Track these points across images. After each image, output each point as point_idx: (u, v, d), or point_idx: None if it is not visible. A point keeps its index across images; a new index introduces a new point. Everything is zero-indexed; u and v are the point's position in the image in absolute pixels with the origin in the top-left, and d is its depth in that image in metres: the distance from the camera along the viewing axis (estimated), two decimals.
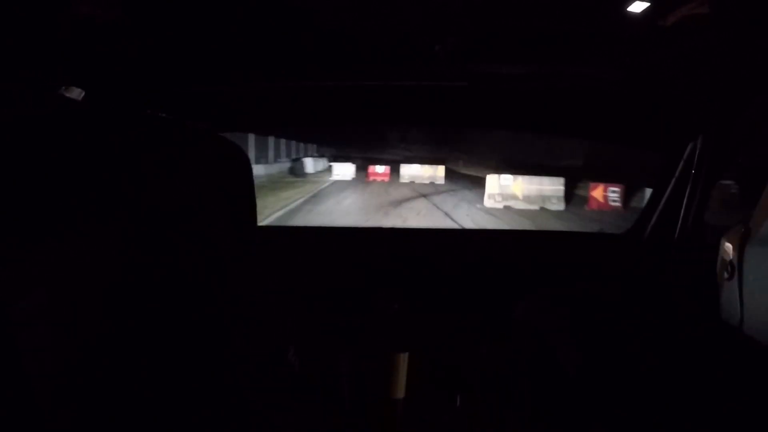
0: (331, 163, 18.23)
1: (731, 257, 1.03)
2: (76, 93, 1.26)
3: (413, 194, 14.90)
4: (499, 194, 13.16)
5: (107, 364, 0.63)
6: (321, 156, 19.94)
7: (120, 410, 0.64)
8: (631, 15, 1.17)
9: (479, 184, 14.56)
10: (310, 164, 18.18)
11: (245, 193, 0.82)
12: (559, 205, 12.66)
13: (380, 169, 17.64)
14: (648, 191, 1.93)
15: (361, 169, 17.57)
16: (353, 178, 17.29)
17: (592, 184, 11.94)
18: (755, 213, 1.01)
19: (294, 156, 19.03)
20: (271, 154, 18.38)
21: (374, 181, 17.23)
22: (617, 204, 11.72)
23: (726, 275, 1.04)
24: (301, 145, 21.32)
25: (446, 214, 12.24)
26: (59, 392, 0.58)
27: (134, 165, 0.67)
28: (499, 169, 13.97)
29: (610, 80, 1.55)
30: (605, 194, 11.92)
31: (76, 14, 1.09)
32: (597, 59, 1.42)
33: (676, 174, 1.68)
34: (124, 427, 0.65)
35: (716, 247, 1.40)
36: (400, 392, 1.66)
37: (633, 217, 1.92)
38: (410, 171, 17.52)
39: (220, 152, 0.79)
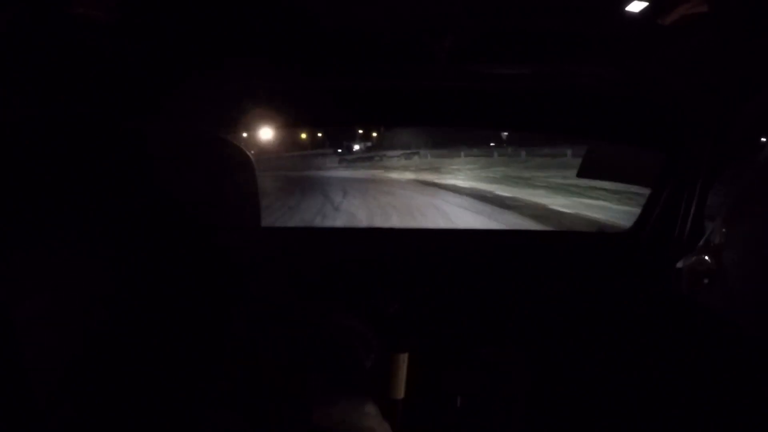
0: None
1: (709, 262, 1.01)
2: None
3: None
4: None
5: (108, 365, 0.63)
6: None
7: (120, 411, 0.64)
8: (630, 14, 1.17)
9: None
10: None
11: (249, 195, 0.82)
12: None
13: None
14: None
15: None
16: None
17: None
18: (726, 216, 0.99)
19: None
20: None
21: None
22: None
23: (706, 281, 1.03)
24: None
25: None
26: (60, 393, 0.58)
27: (137, 167, 0.67)
28: None
29: (610, 80, 1.55)
30: None
31: (74, 15, 1.09)
32: (596, 59, 1.42)
33: (676, 174, 1.68)
34: (124, 428, 0.65)
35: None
36: (400, 392, 1.66)
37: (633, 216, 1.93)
38: None
39: (223, 154, 0.79)
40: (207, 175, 0.75)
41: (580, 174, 2.00)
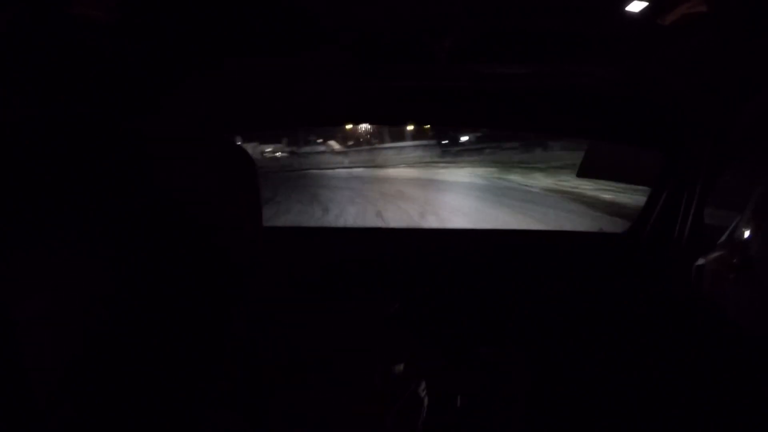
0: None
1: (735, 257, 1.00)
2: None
3: None
4: None
5: (108, 365, 0.64)
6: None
7: (120, 411, 0.64)
8: (630, 14, 1.17)
9: None
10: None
11: (250, 195, 0.82)
12: None
13: None
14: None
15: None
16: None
17: None
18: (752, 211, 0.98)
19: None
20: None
21: None
22: None
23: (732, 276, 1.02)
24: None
25: None
26: (60, 393, 0.58)
27: (137, 167, 0.67)
28: None
29: (610, 80, 1.55)
30: None
31: (74, 15, 1.09)
32: (596, 59, 1.41)
33: (676, 174, 1.68)
34: (124, 428, 0.65)
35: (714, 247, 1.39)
36: (400, 392, 1.66)
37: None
38: None
39: (224, 154, 0.79)
40: (207, 175, 0.75)
41: (580, 173, 2.00)
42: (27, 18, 1.04)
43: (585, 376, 1.54)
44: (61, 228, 0.61)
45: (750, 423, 1.00)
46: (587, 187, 11.87)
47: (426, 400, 1.58)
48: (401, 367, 1.68)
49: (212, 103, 1.64)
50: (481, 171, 17.68)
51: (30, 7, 1.03)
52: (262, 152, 24.38)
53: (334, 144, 25.86)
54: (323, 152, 24.68)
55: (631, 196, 9.73)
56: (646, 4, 1.13)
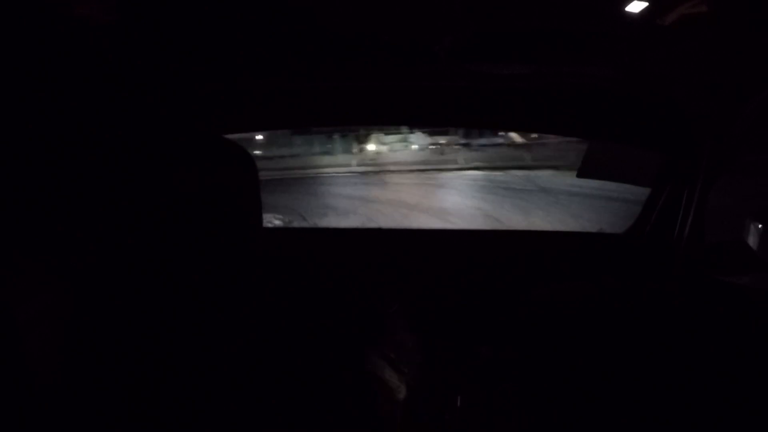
0: None
1: None
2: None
3: None
4: None
5: (109, 365, 0.64)
6: None
7: (121, 411, 0.65)
8: (630, 14, 1.17)
9: None
10: None
11: (250, 195, 0.81)
12: None
13: None
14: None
15: None
16: None
17: None
18: None
19: None
20: None
21: None
22: None
23: None
24: None
25: None
26: (60, 392, 0.58)
27: (136, 167, 0.67)
28: None
29: (610, 80, 1.55)
30: None
31: (74, 15, 1.09)
32: (596, 59, 1.42)
33: (676, 174, 1.68)
34: (125, 427, 0.65)
35: (718, 245, 1.39)
36: (401, 392, 1.66)
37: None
38: None
39: (224, 154, 0.79)
40: (207, 175, 0.75)
41: (580, 174, 2.00)
42: (27, 18, 1.04)
43: (585, 376, 1.54)
44: (61, 228, 0.61)
45: (751, 423, 1.00)
46: None
47: (421, 407, 1.58)
48: (397, 371, 1.69)
49: (212, 103, 1.64)
50: None
51: (30, 7, 1.03)
52: (430, 144, 22.08)
53: (515, 136, 21.68)
54: (500, 144, 21.40)
55: None
56: (646, 4, 1.13)
